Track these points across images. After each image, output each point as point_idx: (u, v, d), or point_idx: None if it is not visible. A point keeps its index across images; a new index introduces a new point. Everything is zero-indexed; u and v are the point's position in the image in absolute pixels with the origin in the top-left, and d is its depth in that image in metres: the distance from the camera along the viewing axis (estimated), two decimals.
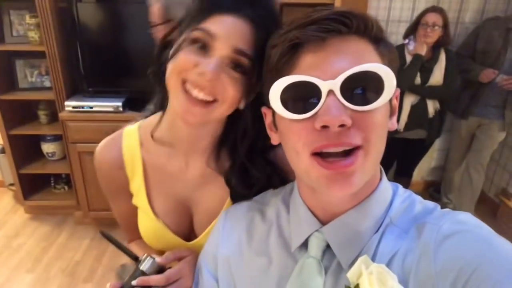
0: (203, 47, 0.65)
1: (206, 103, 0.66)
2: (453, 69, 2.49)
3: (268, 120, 0.63)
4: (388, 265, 0.50)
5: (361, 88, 0.49)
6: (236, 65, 0.66)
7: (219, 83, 0.65)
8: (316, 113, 0.49)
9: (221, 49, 0.64)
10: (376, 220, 0.56)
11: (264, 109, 0.64)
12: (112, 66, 2.51)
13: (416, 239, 0.52)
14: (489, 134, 2.74)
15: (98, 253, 2.52)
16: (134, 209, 0.87)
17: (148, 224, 0.85)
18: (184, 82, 0.66)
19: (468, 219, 0.52)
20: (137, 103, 2.44)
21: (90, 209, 2.66)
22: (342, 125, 0.48)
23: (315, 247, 0.57)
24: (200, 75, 0.64)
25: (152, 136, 0.80)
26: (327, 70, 0.49)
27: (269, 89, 0.53)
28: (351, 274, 0.49)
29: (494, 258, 0.45)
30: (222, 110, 0.69)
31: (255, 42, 0.65)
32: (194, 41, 0.65)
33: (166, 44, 0.74)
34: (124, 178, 0.85)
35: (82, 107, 2.41)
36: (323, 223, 0.58)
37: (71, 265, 2.42)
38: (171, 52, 0.70)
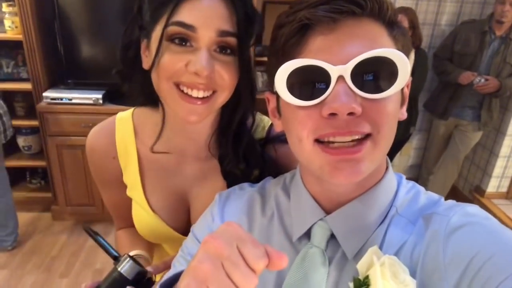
0: (185, 41, 0.61)
1: (207, 97, 0.64)
2: (422, 69, 2.57)
3: (271, 105, 0.60)
4: (396, 256, 0.48)
5: (373, 74, 0.46)
6: (223, 48, 0.63)
7: (215, 74, 0.62)
8: (324, 100, 0.46)
9: (205, 38, 0.60)
10: (382, 210, 0.54)
11: (267, 94, 0.61)
12: (93, 57, 2.46)
13: (424, 231, 0.50)
14: (466, 135, 2.85)
15: (76, 248, 2.47)
16: (127, 199, 0.85)
17: (144, 217, 0.83)
18: (177, 84, 0.64)
19: (476, 211, 0.50)
20: (117, 96, 2.41)
21: (68, 204, 2.61)
22: (351, 114, 0.45)
23: (319, 236, 0.55)
24: (195, 74, 0.61)
25: (151, 149, 0.78)
26: (338, 54, 0.46)
27: (274, 73, 0.49)
28: (361, 265, 0.48)
29: (505, 250, 0.44)
30: (224, 98, 0.67)
31: (236, 16, 0.62)
32: (173, 37, 0.61)
33: (129, 43, 0.71)
34: (117, 167, 0.82)
35: (61, 99, 2.35)
36: (327, 212, 0.55)
37: (47, 261, 2.37)
38: (144, 56, 0.67)
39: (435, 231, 0.49)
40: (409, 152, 3.41)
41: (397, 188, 0.57)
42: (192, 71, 0.61)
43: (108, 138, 0.81)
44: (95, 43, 2.45)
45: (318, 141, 0.48)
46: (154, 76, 0.66)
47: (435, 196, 0.57)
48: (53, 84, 2.49)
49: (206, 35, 0.60)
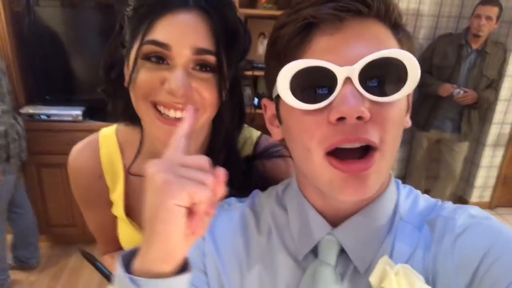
0: (161, 59, 0.59)
1: None
2: None
3: (269, 113, 0.57)
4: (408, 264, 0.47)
5: (381, 77, 0.44)
6: (202, 65, 0.60)
7: (193, 92, 0.60)
8: (330, 103, 0.44)
9: (180, 56, 0.58)
10: (388, 218, 0.52)
11: (264, 101, 0.57)
12: (72, 73, 2.41)
13: (431, 236, 0.50)
14: (453, 148, 2.90)
15: (56, 271, 2.36)
16: (113, 219, 0.81)
17: (130, 234, 0.80)
18: (154, 104, 0.61)
19: (478, 213, 0.50)
20: (97, 112, 2.36)
21: (48, 225, 2.51)
22: (359, 118, 0.42)
23: (328, 252, 0.51)
24: (170, 93, 0.58)
25: (128, 171, 0.75)
26: (345, 55, 0.43)
27: (274, 77, 0.46)
28: (374, 278, 0.46)
29: (509, 247, 0.44)
30: (206, 116, 0.64)
31: (214, 33, 0.59)
32: (148, 56, 0.59)
33: (112, 61, 0.69)
34: (104, 187, 0.79)
35: (39, 115, 2.28)
36: (332, 225, 0.53)
37: (26, 285, 2.27)
38: (127, 75, 0.65)
39: (441, 235, 0.48)
40: (393, 164, 3.45)
41: (397, 194, 0.56)
42: (167, 90, 0.58)
43: (92, 156, 0.77)
44: (74, 58, 2.40)
45: (328, 153, 0.46)
46: (131, 95, 0.63)
47: (431, 199, 0.56)
48: (31, 100, 2.42)
49: (181, 53, 0.58)
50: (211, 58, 0.60)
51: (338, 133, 0.44)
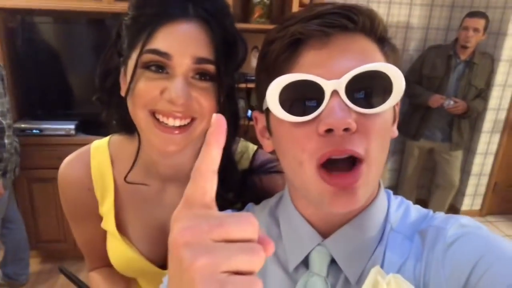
0: (161, 68, 0.59)
1: (185, 126, 0.62)
2: None
3: (260, 125, 0.58)
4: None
5: (368, 89, 0.45)
6: (201, 74, 0.61)
7: (192, 101, 0.60)
8: (318, 116, 0.45)
9: (181, 65, 0.58)
10: (378, 229, 0.53)
11: (255, 113, 0.58)
12: (64, 87, 2.40)
13: (422, 246, 0.50)
14: (446, 156, 2.93)
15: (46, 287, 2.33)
16: (102, 234, 0.80)
17: (119, 249, 0.78)
18: (153, 112, 0.61)
19: (469, 222, 0.50)
20: (90, 126, 2.35)
21: (38, 240, 2.47)
22: (346, 129, 0.44)
23: (318, 263, 0.52)
24: (170, 102, 0.58)
25: (125, 179, 0.74)
26: (331, 69, 0.45)
27: (264, 90, 0.47)
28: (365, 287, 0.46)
29: (501, 258, 0.44)
30: (204, 125, 0.64)
31: (213, 42, 0.60)
32: (148, 65, 0.59)
33: (107, 70, 0.70)
34: (93, 200, 0.77)
35: (31, 130, 2.26)
36: (323, 235, 0.53)
37: None
38: (122, 84, 0.65)
39: (433, 245, 0.48)
40: (384, 174, 3.47)
41: (387, 204, 0.56)
42: (167, 98, 0.59)
43: (82, 168, 0.76)
44: (65, 73, 2.39)
45: (320, 166, 0.46)
46: (129, 104, 0.63)
47: (423, 209, 0.56)
48: (23, 115, 2.40)
49: (182, 63, 0.58)
50: (211, 67, 0.60)
51: (328, 145, 0.45)
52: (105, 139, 0.80)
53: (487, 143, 3.11)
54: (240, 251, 0.28)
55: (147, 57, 0.59)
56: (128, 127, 0.73)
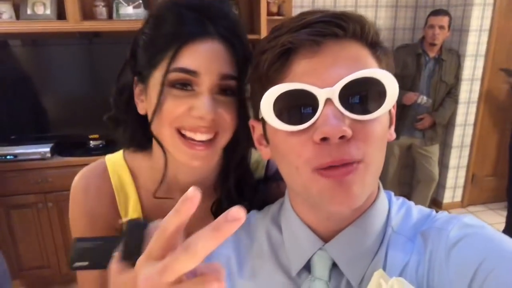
0: (186, 85, 0.61)
1: (210, 140, 0.64)
2: None
3: (257, 133, 0.58)
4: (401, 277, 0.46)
5: (361, 95, 0.45)
6: (224, 90, 0.63)
7: (217, 116, 0.62)
8: (313, 124, 0.45)
9: (207, 82, 0.60)
10: (379, 231, 0.53)
11: (252, 122, 0.59)
12: (37, 110, 2.35)
13: (424, 248, 0.49)
14: (423, 152, 3.01)
15: None
16: None
17: None
18: (179, 129, 0.63)
19: (472, 222, 0.49)
20: (66, 148, 2.31)
21: (20, 269, 2.39)
22: (342, 137, 0.44)
23: (320, 267, 0.52)
24: (199, 119, 0.60)
25: (154, 195, 0.73)
26: (324, 77, 0.45)
27: (259, 100, 0.48)
28: None
29: (505, 259, 0.43)
30: (226, 138, 0.66)
31: (235, 57, 0.62)
32: (173, 83, 0.61)
33: (122, 89, 0.71)
34: (114, 212, 0.75)
35: (5, 157, 2.20)
36: (324, 240, 0.53)
37: None
38: (138, 102, 0.66)
39: (435, 247, 0.48)
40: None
41: (389, 206, 0.56)
42: (196, 115, 0.60)
43: (101, 181, 0.75)
44: (38, 95, 2.35)
45: (316, 169, 0.47)
46: (155, 122, 0.64)
47: (426, 209, 0.57)
48: None
49: (208, 80, 0.60)
50: (233, 83, 0.63)
51: (324, 155, 0.45)
52: (118, 154, 0.79)
53: (462, 135, 3.20)
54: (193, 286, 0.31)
55: (174, 75, 0.60)
56: (141, 144, 0.75)
